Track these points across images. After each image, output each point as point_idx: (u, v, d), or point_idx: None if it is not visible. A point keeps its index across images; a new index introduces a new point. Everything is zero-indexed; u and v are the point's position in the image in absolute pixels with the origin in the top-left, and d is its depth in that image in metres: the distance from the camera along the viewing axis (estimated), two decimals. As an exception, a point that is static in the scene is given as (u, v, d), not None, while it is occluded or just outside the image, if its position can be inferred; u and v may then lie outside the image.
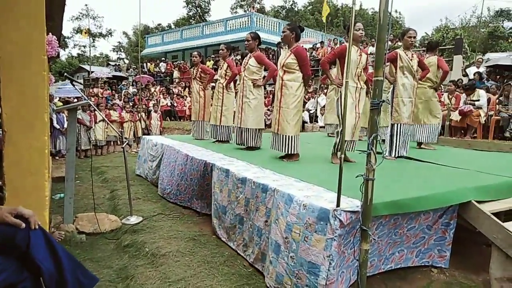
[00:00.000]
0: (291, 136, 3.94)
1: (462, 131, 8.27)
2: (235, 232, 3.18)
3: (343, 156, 2.23)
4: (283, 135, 3.95)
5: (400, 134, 4.45)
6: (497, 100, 8.13)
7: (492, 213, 2.66)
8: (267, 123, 10.57)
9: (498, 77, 10.09)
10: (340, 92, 3.85)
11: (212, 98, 5.90)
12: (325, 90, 11.61)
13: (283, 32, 4.01)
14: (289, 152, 4.01)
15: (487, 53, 16.90)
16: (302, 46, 4.10)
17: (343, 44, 3.93)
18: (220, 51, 5.49)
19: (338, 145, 3.87)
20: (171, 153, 4.90)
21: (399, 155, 4.46)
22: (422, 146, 5.57)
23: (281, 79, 3.95)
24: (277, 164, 3.78)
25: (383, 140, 6.20)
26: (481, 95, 8.08)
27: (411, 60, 4.49)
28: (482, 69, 10.83)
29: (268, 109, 11.11)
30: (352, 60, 3.65)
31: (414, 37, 4.51)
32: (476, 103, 8.00)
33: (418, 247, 2.79)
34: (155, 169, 5.48)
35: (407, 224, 2.65)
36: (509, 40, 25.42)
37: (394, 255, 2.69)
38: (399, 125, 4.46)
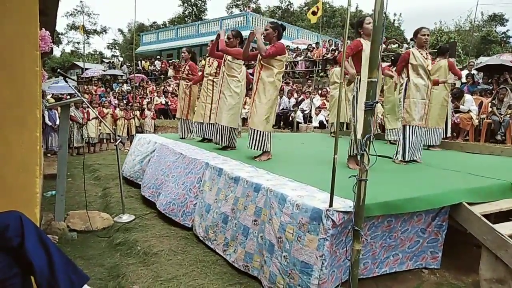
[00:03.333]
0: (262, 132, 3.93)
1: (454, 134, 8.35)
2: (216, 231, 3.14)
3: (337, 156, 2.23)
4: (253, 130, 3.95)
5: (412, 137, 4.19)
6: (490, 104, 8.22)
7: (482, 215, 2.69)
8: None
9: (490, 80, 10.19)
10: (357, 87, 3.67)
11: (198, 97, 5.76)
12: (322, 91, 11.66)
13: (265, 30, 4.00)
14: (259, 149, 4.00)
15: (480, 57, 17.07)
16: (283, 44, 4.09)
17: (356, 40, 3.74)
18: (208, 47, 5.46)
19: (353, 147, 3.72)
20: (161, 151, 4.87)
21: (412, 159, 4.23)
22: (430, 148, 5.66)
23: (259, 73, 3.96)
24: (265, 164, 3.77)
25: (389, 141, 6.26)
26: (467, 100, 8.16)
27: (425, 59, 4.27)
28: (474, 72, 10.95)
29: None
30: (368, 55, 3.58)
31: (428, 35, 4.31)
32: (461, 107, 8.10)
33: (414, 252, 2.80)
34: (135, 163, 5.40)
35: (401, 227, 2.66)
36: (502, 45, 25.73)
37: (388, 259, 2.69)
38: (410, 127, 4.21)
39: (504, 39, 27.88)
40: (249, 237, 2.77)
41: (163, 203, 3.94)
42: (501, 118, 7.73)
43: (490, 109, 8.11)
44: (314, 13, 12.69)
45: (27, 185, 2.20)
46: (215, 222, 3.17)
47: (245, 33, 4.83)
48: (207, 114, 5.29)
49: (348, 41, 3.28)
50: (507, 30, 28.71)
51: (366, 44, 3.64)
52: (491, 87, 9.48)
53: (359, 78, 3.68)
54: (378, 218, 2.50)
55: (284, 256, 2.37)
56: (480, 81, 10.45)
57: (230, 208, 3.07)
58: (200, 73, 5.78)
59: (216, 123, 4.66)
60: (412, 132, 4.22)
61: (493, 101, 8.22)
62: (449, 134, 6.44)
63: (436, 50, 6.74)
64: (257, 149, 4.02)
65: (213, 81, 5.29)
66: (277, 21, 4.32)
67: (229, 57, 4.61)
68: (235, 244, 2.89)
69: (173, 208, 3.77)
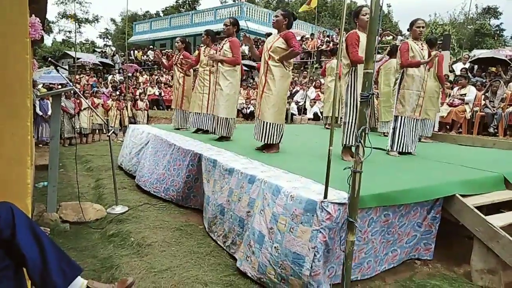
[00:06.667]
0: (271, 124, 3.83)
1: (448, 126, 8.41)
2: (216, 222, 3.15)
3: (331, 148, 2.23)
4: (263, 121, 3.86)
5: (403, 128, 4.20)
6: (483, 96, 8.27)
7: (475, 207, 2.71)
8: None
9: (483, 73, 10.24)
10: (351, 78, 3.65)
11: (193, 86, 5.70)
12: (314, 83, 11.65)
13: (275, 16, 3.87)
14: (268, 142, 3.92)
15: (473, 49, 17.13)
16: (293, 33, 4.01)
17: (352, 32, 3.71)
18: (202, 38, 5.42)
19: (347, 139, 3.69)
20: (156, 142, 4.83)
21: (406, 151, 4.23)
22: (422, 139, 5.70)
23: (266, 63, 3.83)
24: (259, 155, 3.74)
25: (383, 133, 6.29)
26: (471, 91, 8.22)
27: (422, 50, 4.26)
28: (467, 65, 11.01)
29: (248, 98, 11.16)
30: (364, 46, 3.50)
31: (423, 27, 4.28)
32: (466, 98, 8.15)
33: (411, 246, 2.81)
34: (132, 156, 5.37)
35: (399, 222, 2.66)
36: (495, 38, 25.85)
37: (387, 255, 2.69)
38: (402, 118, 4.21)
39: (498, 32, 27.99)
40: (245, 228, 2.77)
41: (180, 200, 4.00)
42: (494, 110, 7.79)
43: (483, 102, 8.16)
44: (307, 4, 12.59)
45: (18, 176, 2.16)
46: (214, 214, 3.18)
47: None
48: (204, 105, 5.24)
49: (344, 32, 3.25)
50: (501, 23, 28.83)
51: (361, 35, 3.62)
52: (484, 80, 9.53)
53: (354, 69, 3.66)
54: (376, 213, 2.49)
55: (275, 247, 2.36)
56: (474, 71, 10.51)
57: (225, 200, 3.07)
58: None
59: (214, 115, 4.63)
60: (404, 123, 4.23)
61: (486, 94, 8.27)
62: (435, 129, 6.47)
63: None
64: (265, 141, 3.92)
65: (209, 71, 5.23)
66: (273, 13, 4.27)
67: (225, 47, 4.55)
68: (232, 235, 2.89)
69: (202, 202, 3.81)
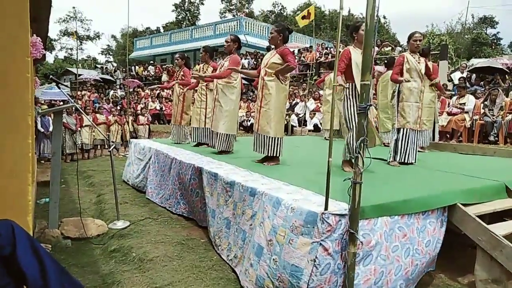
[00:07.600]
0: (271, 138, 3.87)
1: (448, 135, 8.41)
2: (221, 236, 3.15)
3: (331, 159, 2.23)
4: (263, 136, 3.90)
5: (405, 140, 4.24)
6: (482, 105, 8.29)
7: (477, 216, 2.70)
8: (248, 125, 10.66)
9: (482, 82, 10.30)
10: (346, 94, 3.67)
11: (193, 102, 5.78)
12: (314, 95, 11.71)
13: (270, 33, 3.96)
14: (269, 154, 3.94)
15: (471, 59, 17.25)
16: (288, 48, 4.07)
17: (345, 48, 3.78)
18: (201, 54, 5.48)
19: (347, 151, 3.69)
20: (159, 157, 4.85)
21: (407, 162, 4.24)
22: (419, 150, 5.70)
23: (262, 79, 3.90)
24: (260, 168, 3.74)
25: (383, 144, 6.29)
26: (470, 100, 8.24)
27: (418, 63, 4.33)
28: (465, 74, 11.09)
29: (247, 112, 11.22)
30: (357, 61, 3.49)
31: (420, 40, 4.35)
32: (465, 107, 8.17)
33: (430, 263, 2.75)
34: (139, 173, 5.40)
35: (421, 238, 2.60)
36: (492, 47, 26.05)
37: (413, 274, 2.61)
38: (404, 130, 4.26)
39: (495, 41, 28.21)
40: (246, 241, 2.76)
41: (191, 212, 4.01)
42: (494, 119, 7.81)
43: (482, 110, 8.18)
44: (304, 17, 12.72)
45: (19, 192, 2.17)
46: (220, 227, 3.18)
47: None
48: (202, 119, 5.30)
49: (341, 44, 3.29)
50: (498, 32, 29.10)
51: (354, 52, 3.65)
52: (483, 88, 9.57)
53: (353, 84, 3.68)
54: (386, 225, 2.41)
55: (273, 259, 2.35)
56: (473, 81, 10.56)
57: (231, 213, 3.08)
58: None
59: (213, 131, 4.66)
60: (406, 135, 4.26)
61: (485, 102, 8.29)
62: (436, 139, 6.45)
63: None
64: (264, 153, 3.95)
65: (206, 86, 5.29)
66: (282, 23, 4.30)
67: (225, 64, 4.61)
68: (235, 249, 2.89)
69: None
